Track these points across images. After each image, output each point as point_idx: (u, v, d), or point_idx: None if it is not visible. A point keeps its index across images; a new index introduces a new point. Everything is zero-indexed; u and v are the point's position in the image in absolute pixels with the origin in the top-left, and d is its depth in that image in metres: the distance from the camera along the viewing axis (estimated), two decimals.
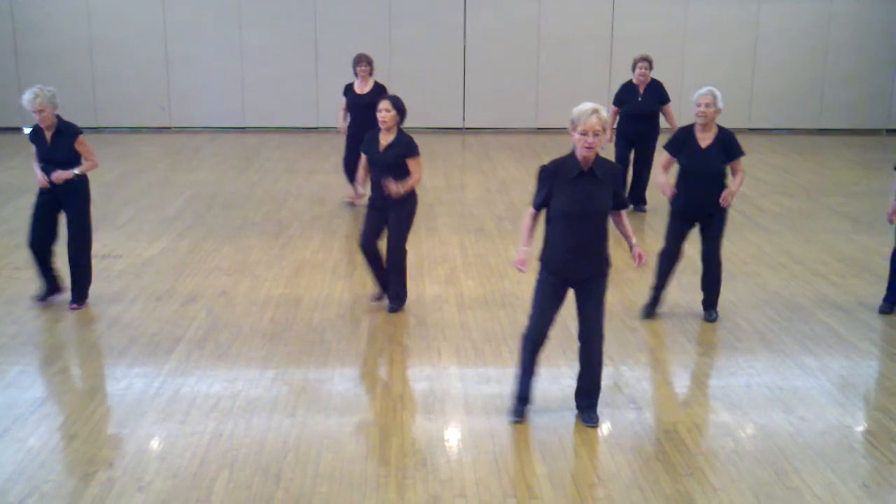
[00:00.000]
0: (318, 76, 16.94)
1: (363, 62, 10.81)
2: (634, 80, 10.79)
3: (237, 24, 16.94)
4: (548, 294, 5.53)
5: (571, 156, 5.36)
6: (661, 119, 10.86)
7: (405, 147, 7.37)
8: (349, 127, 10.89)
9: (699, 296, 7.60)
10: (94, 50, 16.89)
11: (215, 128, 17.15)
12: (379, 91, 10.36)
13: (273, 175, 13.13)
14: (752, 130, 17.37)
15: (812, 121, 17.61)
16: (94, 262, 7.80)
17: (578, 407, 5.73)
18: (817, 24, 17.29)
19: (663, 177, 7.45)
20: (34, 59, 16.75)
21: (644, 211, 10.96)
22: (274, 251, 9.30)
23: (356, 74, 10.87)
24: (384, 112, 7.28)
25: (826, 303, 7.88)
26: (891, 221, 7.58)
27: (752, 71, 17.41)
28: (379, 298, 7.70)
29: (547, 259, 5.51)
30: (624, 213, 5.66)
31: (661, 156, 7.61)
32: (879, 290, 7.86)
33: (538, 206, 5.49)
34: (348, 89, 10.94)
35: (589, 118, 5.18)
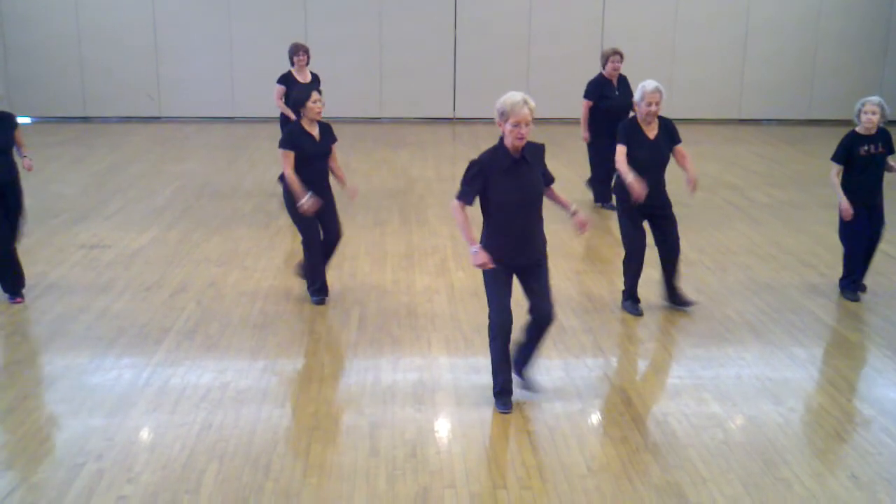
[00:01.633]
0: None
1: (301, 51, 10.62)
2: (607, 74, 10.58)
3: (226, 14, 16.88)
4: (500, 283, 5.54)
5: (500, 146, 5.39)
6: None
7: (333, 132, 7.49)
8: (285, 119, 10.50)
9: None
10: (82, 40, 16.80)
11: (204, 118, 17.09)
12: (317, 79, 10.29)
13: (263, 165, 13.08)
14: (742, 121, 17.41)
15: (802, 112, 17.65)
16: (80, 252, 7.76)
17: (502, 390, 5.69)
18: (807, 16, 17.32)
19: (633, 173, 7.16)
20: (22, 50, 16.65)
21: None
22: (263, 242, 9.28)
23: (293, 64, 10.63)
24: (320, 104, 7.26)
25: (816, 293, 7.90)
26: (847, 217, 7.61)
27: (743, 62, 17.42)
28: (323, 295, 7.59)
29: (489, 250, 5.49)
30: (553, 186, 5.70)
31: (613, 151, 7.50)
32: (869, 282, 7.88)
33: (471, 200, 5.44)
34: (287, 78, 10.64)
35: (521, 109, 5.24)
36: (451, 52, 17.18)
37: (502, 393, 5.70)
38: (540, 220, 5.56)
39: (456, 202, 5.47)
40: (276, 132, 15.63)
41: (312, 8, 16.85)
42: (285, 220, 10.07)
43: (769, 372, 6.33)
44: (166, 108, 17.19)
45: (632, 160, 7.14)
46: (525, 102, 5.26)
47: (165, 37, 16.89)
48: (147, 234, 9.49)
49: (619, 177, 7.28)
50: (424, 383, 6.08)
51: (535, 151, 5.50)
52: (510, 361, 5.70)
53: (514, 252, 5.47)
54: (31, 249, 8.70)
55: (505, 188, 5.36)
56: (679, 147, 7.27)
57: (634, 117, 7.22)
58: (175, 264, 8.51)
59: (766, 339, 6.91)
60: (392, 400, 5.85)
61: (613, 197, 7.84)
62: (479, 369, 6.26)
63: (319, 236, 7.50)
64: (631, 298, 7.42)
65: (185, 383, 6.03)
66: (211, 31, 16.91)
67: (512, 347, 5.73)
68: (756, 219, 10.39)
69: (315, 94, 7.23)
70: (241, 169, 12.87)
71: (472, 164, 5.43)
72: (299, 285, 7.89)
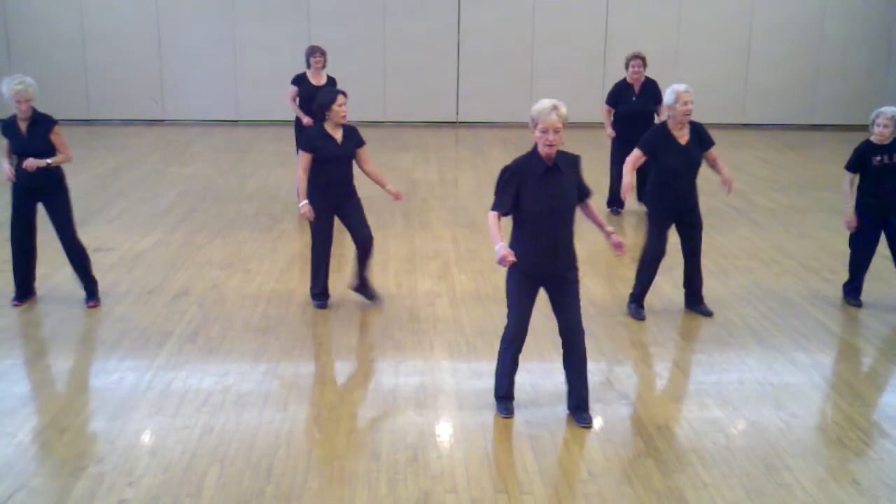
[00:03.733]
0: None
1: (318, 53, 10.58)
2: (628, 79, 10.47)
3: (231, 16, 16.90)
4: (523, 294, 5.49)
5: (534, 153, 5.32)
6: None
7: (358, 136, 7.39)
8: (299, 123, 10.62)
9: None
10: (86, 42, 16.83)
11: (208, 121, 17.11)
12: (333, 84, 10.28)
13: (266, 168, 13.10)
14: (745, 126, 17.40)
15: (805, 116, 17.64)
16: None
17: (570, 407, 5.70)
18: (811, 20, 17.31)
19: (630, 177, 7.29)
20: (26, 52, 16.69)
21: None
22: (266, 245, 9.28)
23: (309, 66, 10.60)
24: (345, 108, 7.21)
25: (818, 298, 7.89)
26: (849, 229, 7.61)
27: (746, 66, 17.42)
28: (324, 299, 7.58)
29: (518, 259, 5.40)
30: (590, 201, 5.63)
31: (628, 154, 7.46)
32: (871, 286, 7.87)
33: (507, 211, 5.33)
34: (301, 80, 10.62)
35: (549, 116, 5.15)
36: (454, 55, 17.19)
37: (505, 398, 5.70)
38: (571, 232, 5.44)
39: (491, 213, 5.36)
40: (279, 134, 15.73)
41: (316, 10, 16.87)
42: (288, 223, 10.10)
43: (771, 377, 6.32)
44: (170, 111, 17.21)
45: (663, 167, 7.12)
46: (554, 109, 5.15)
47: (169, 40, 16.91)
48: (150, 237, 9.49)
49: (650, 183, 7.30)
50: (426, 387, 6.08)
51: (569, 162, 5.40)
52: (516, 371, 5.68)
53: (542, 263, 5.38)
54: None
55: (536, 196, 5.28)
56: (711, 151, 7.29)
57: (664, 124, 7.20)
58: (178, 267, 8.51)
59: (768, 344, 6.90)
60: (394, 404, 5.85)
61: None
62: (482, 374, 6.26)
63: (329, 242, 7.43)
64: (636, 302, 7.41)
65: (186, 387, 6.03)
66: (214, 34, 16.93)
67: (567, 382, 5.68)
68: (759, 223, 10.38)
69: (341, 98, 7.17)
70: (244, 172, 12.88)
71: (505, 171, 5.35)
72: (301, 289, 7.90)
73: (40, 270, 8.11)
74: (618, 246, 5.59)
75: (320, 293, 7.53)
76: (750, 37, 17.33)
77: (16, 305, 7.47)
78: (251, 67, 16.97)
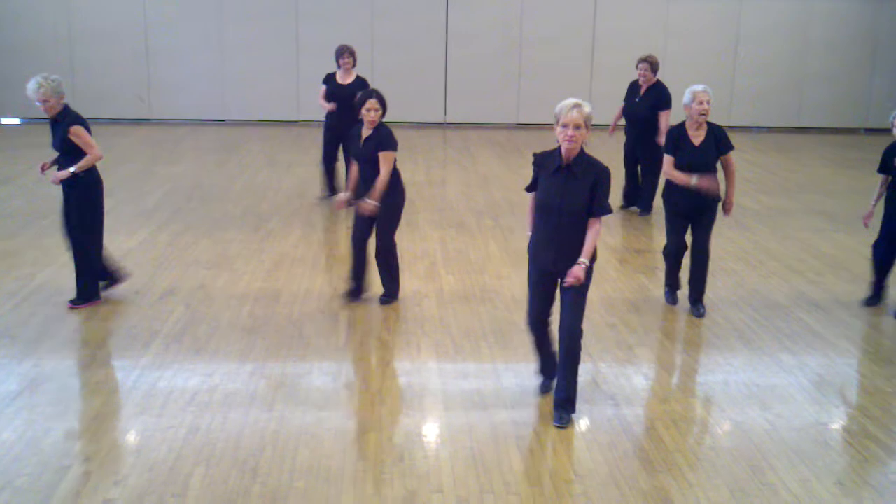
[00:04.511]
0: (300, 70, 16.90)
1: (346, 54, 10.76)
2: (640, 81, 10.57)
3: (218, 16, 16.86)
4: (533, 281, 5.66)
5: (557, 150, 5.42)
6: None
7: (382, 140, 7.34)
8: (327, 119, 10.89)
9: (683, 291, 7.65)
10: (73, 40, 16.77)
11: (195, 120, 17.07)
12: (361, 84, 10.34)
13: (253, 168, 13.07)
14: (732, 128, 17.41)
15: (792, 119, 17.72)
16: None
17: (553, 405, 5.71)
18: (797, 23, 17.40)
19: (682, 175, 7.21)
20: (13, 49, 16.61)
21: (648, 215, 10.71)
22: (253, 245, 9.26)
23: (339, 65, 10.82)
24: (373, 112, 7.21)
25: (804, 300, 7.93)
26: (865, 225, 7.68)
27: (733, 69, 17.49)
28: (355, 295, 7.64)
29: (531, 245, 5.65)
30: (597, 223, 5.39)
31: (660, 160, 7.60)
32: (856, 288, 7.93)
33: (529, 191, 5.68)
34: (330, 79, 10.88)
35: (569, 112, 5.24)
36: (442, 56, 17.20)
37: (540, 372, 6.03)
38: (576, 234, 5.36)
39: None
40: (267, 134, 15.71)
41: (304, 11, 16.86)
42: (275, 223, 10.09)
43: (757, 378, 6.35)
44: (157, 110, 17.16)
45: (676, 166, 7.22)
46: (575, 106, 5.25)
47: (157, 39, 16.86)
48: (136, 236, 9.46)
49: (666, 182, 7.37)
50: (413, 388, 6.08)
51: (591, 169, 5.33)
52: (545, 350, 5.89)
53: (544, 256, 5.52)
54: (19, 251, 8.68)
55: (545, 190, 5.44)
56: (728, 156, 7.33)
57: (682, 123, 7.28)
58: (164, 267, 8.49)
59: (753, 346, 6.93)
60: (380, 404, 5.85)
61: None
62: (468, 374, 6.26)
63: (362, 240, 7.48)
64: (669, 287, 7.70)
65: (172, 386, 6.02)
66: (202, 33, 16.89)
67: (556, 380, 5.74)
68: (745, 225, 10.42)
69: (369, 102, 7.22)
70: (231, 172, 12.85)
71: (534, 157, 5.62)
72: (288, 289, 7.89)
73: (26, 269, 8.11)
74: (570, 275, 5.29)
75: (350, 289, 7.60)
76: (737, 40, 17.40)
77: (70, 307, 7.41)
78: (239, 67, 16.94)
